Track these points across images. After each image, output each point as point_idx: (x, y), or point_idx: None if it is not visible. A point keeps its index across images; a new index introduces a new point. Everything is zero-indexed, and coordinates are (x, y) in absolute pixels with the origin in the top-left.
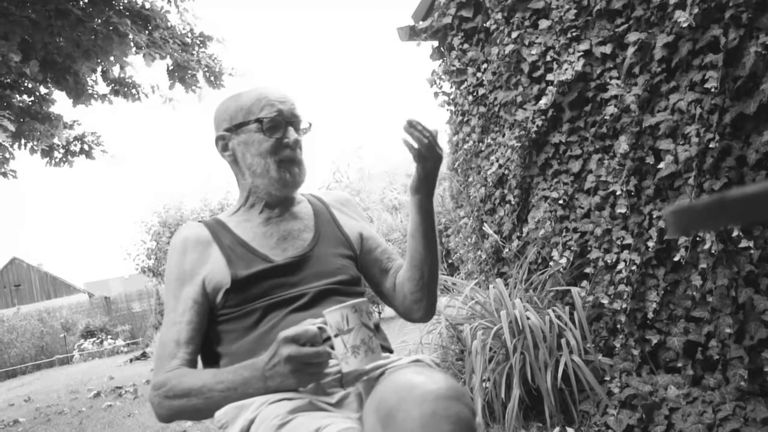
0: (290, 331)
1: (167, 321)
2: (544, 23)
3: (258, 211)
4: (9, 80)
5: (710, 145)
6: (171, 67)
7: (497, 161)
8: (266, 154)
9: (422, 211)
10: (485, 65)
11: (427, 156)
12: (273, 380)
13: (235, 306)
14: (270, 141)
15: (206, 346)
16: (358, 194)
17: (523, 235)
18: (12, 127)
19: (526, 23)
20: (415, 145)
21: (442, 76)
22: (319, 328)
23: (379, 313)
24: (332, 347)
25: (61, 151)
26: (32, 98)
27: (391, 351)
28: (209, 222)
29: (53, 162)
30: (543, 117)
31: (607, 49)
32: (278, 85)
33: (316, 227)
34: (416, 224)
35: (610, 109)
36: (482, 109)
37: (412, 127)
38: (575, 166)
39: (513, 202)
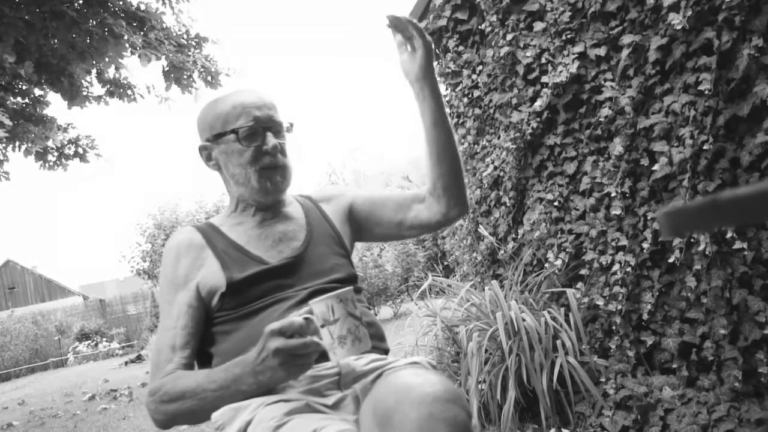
0: (276, 324)
1: (162, 327)
2: (538, 25)
3: (251, 214)
4: (3, 82)
5: (704, 147)
6: (167, 68)
7: (492, 163)
8: (246, 165)
9: (436, 96)
10: (480, 67)
11: (420, 38)
12: (263, 374)
13: (231, 309)
14: (249, 150)
15: (200, 347)
16: None
17: (519, 236)
18: (9, 122)
19: (521, 25)
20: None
21: (438, 78)
22: (306, 319)
23: (375, 314)
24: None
25: (55, 154)
26: (26, 100)
27: (386, 351)
28: (202, 226)
29: (47, 165)
30: (538, 119)
31: (602, 51)
32: (255, 88)
33: (308, 227)
34: (434, 111)
35: (605, 111)
36: (477, 111)
37: (396, 20)
38: (570, 167)
39: (508, 204)
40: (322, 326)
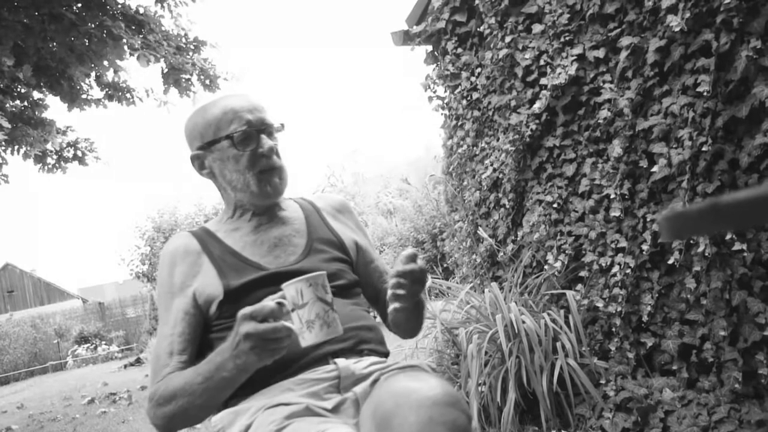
0: (248, 309)
1: (160, 334)
2: (537, 27)
3: (247, 219)
4: (2, 85)
5: (703, 149)
6: (165, 70)
7: (491, 165)
8: (244, 170)
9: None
10: (479, 69)
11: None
12: (239, 358)
13: (230, 317)
14: (245, 155)
15: (199, 351)
16: (353, 198)
17: (518, 238)
18: (8, 125)
19: (520, 28)
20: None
21: (436, 81)
22: (279, 303)
23: (375, 317)
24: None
25: (54, 157)
26: (25, 103)
27: (386, 354)
28: (197, 232)
29: (46, 168)
30: (537, 121)
31: (600, 53)
32: (243, 92)
33: (308, 232)
34: (412, 321)
35: (604, 113)
36: (476, 113)
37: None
38: (569, 169)
39: (507, 206)
40: (293, 310)
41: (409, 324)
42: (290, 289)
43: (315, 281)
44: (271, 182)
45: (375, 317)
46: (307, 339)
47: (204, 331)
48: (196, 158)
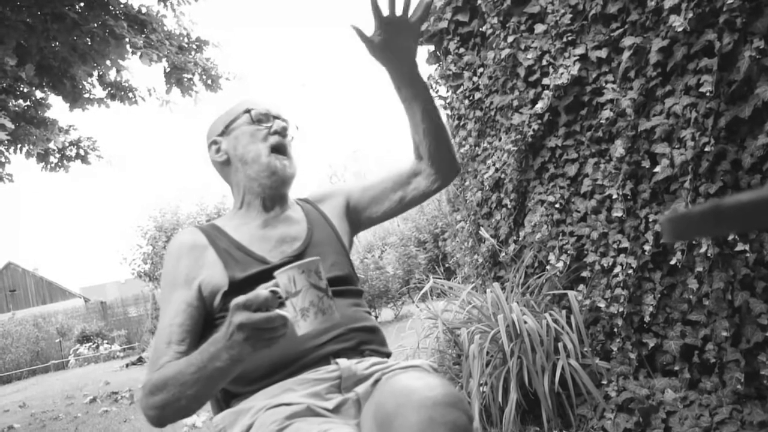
0: (241, 298)
1: (160, 326)
2: (539, 27)
3: (255, 212)
4: (4, 84)
5: (705, 149)
6: (168, 70)
7: (494, 165)
8: (257, 141)
9: (424, 86)
10: (481, 69)
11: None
12: (233, 349)
13: None
14: (260, 128)
15: (199, 344)
16: None
17: (520, 238)
18: (10, 124)
19: (522, 27)
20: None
21: (439, 80)
22: (272, 292)
23: (376, 317)
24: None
25: (57, 155)
26: (28, 103)
27: (388, 355)
28: (205, 227)
29: (48, 167)
30: (539, 121)
31: (603, 53)
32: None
33: (309, 227)
34: (426, 99)
35: (606, 113)
36: (478, 113)
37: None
38: (571, 169)
39: (510, 206)
40: (286, 298)
41: (437, 127)
42: (282, 277)
43: (308, 268)
44: (280, 160)
45: (376, 317)
46: (302, 327)
47: (205, 325)
48: (213, 143)
